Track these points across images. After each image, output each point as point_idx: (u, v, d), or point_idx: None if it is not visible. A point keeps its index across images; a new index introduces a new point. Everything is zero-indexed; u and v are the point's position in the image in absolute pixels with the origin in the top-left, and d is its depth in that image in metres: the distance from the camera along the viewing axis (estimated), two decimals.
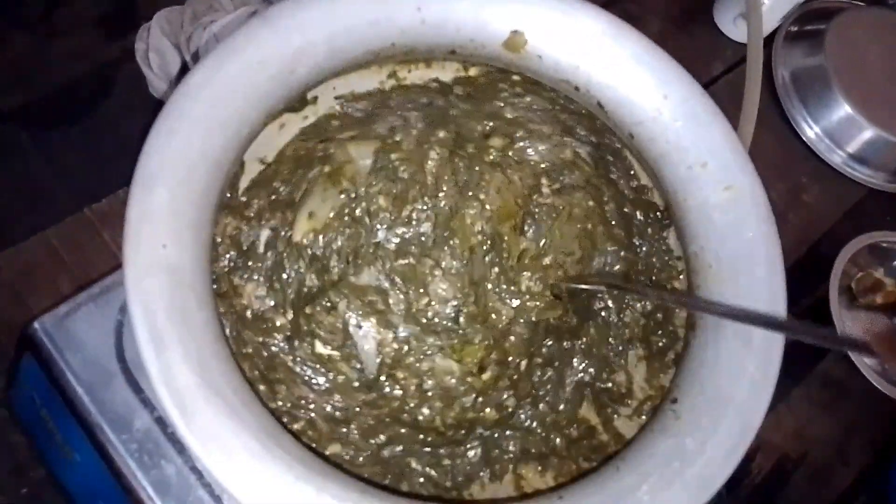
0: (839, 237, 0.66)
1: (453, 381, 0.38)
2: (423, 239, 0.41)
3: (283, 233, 0.37)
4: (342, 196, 0.39)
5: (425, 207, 0.41)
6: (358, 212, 0.39)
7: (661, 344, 0.37)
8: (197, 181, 0.29)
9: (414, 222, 0.41)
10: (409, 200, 0.40)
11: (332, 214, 0.38)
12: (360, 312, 0.39)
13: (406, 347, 0.39)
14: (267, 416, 0.28)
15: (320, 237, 0.38)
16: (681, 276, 0.37)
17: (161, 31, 0.60)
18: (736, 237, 0.32)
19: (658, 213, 0.38)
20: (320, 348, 0.37)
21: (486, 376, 0.38)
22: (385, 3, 0.34)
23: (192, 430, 0.26)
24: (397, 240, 0.41)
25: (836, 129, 0.73)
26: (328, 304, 0.38)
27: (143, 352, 0.25)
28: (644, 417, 0.34)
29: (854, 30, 0.75)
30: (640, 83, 0.35)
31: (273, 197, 0.36)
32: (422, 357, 0.40)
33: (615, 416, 0.35)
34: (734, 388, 0.29)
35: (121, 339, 0.41)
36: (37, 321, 0.41)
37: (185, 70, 0.59)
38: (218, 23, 0.58)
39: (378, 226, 0.40)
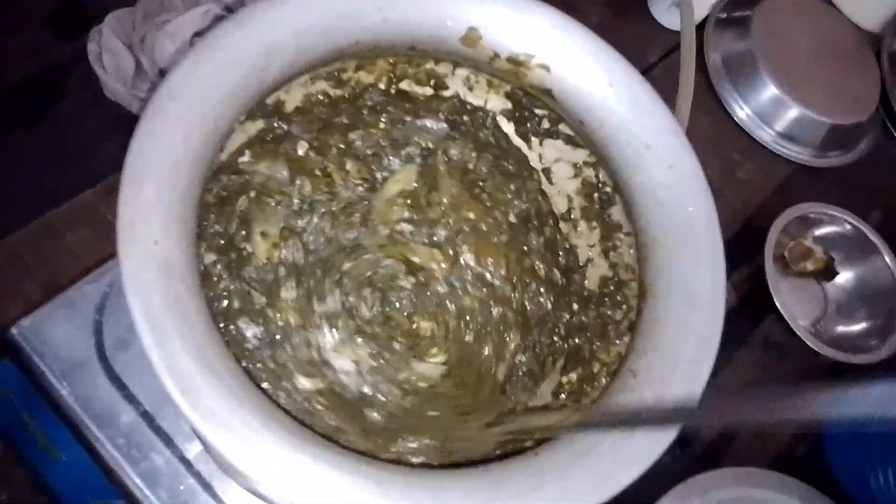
0: (771, 210, 0.71)
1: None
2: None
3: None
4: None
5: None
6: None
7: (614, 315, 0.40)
8: (181, 177, 0.31)
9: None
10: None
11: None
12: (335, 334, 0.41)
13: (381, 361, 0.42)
14: (260, 394, 0.30)
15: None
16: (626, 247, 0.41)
17: (113, 32, 0.60)
18: (679, 211, 0.36)
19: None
20: (304, 383, 0.39)
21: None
22: (349, 2, 0.36)
23: (197, 411, 0.27)
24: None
25: (765, 108, 0.78)
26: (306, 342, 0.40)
27: (145, 343, 0.27)
28: (605, 380, 0.37)
29: (778, 15, 0.80)
30: (587, 73, 0.38)
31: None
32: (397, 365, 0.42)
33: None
34: (684, 345, 0.33)
35: (101, 339, 0.42)
36: (14, 326, 0.41)
37: (138, 70, 0.59)
38: (172, 22, 0.59)
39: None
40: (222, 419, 0.28)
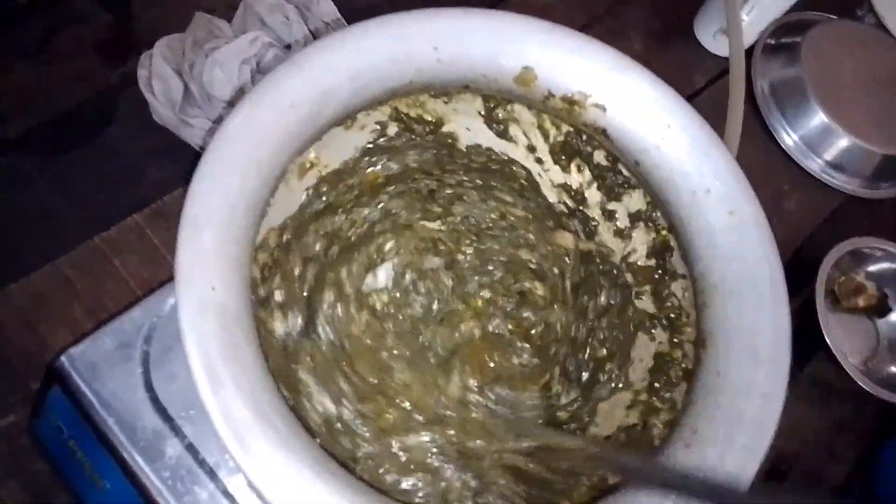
0: (820, 242, 0.69)
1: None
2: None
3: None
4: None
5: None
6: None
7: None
8: (237, 221, 0.31)
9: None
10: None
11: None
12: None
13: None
14: (314, 444, 0.30)
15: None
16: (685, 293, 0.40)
17: (163, 58, 0.61)
18: (740, 258, 0.35)
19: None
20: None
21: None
22: (404, 43, 0.36)
23: (250, 462, 0.27)
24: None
25: (814, 137, 0.76)
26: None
27: (200, 391, 0.27)
28: (658, 429, 0.36)
29: (829, 41, 0.79)
30: (645, 114, 0.37)
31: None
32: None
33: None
34: (747, 403, 0.32)
35: (148, 369, 0.42)
36: (64, 355, 0.42)
37: (187, 96, 0.60)
38: (220, 50, 0.59)
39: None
40: (275, 470, 0.28)
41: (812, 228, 0.73)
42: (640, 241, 0.42)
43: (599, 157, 0.41)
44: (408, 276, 0.45)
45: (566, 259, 0.44)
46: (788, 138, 0.77)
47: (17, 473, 0.48)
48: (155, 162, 0.60)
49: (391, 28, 0.35)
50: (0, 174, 0.57)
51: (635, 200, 0.41)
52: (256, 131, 0.32)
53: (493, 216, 0.46)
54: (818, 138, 0.76)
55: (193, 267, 0.28)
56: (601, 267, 0.42)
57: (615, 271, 0.42)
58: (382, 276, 0.44)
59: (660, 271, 0.41)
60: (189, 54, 0.61)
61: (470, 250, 0.47)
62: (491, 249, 0.47)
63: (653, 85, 0.37)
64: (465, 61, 0.37)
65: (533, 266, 0.46)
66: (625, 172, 0.40)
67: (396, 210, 0.44)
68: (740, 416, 0.31)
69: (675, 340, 0.39)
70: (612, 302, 0.42)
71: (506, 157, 0.43)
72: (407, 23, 0.35)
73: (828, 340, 0.63)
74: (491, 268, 0.47)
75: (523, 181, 0.44)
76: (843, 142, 0.75)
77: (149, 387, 0.42)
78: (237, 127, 0.31)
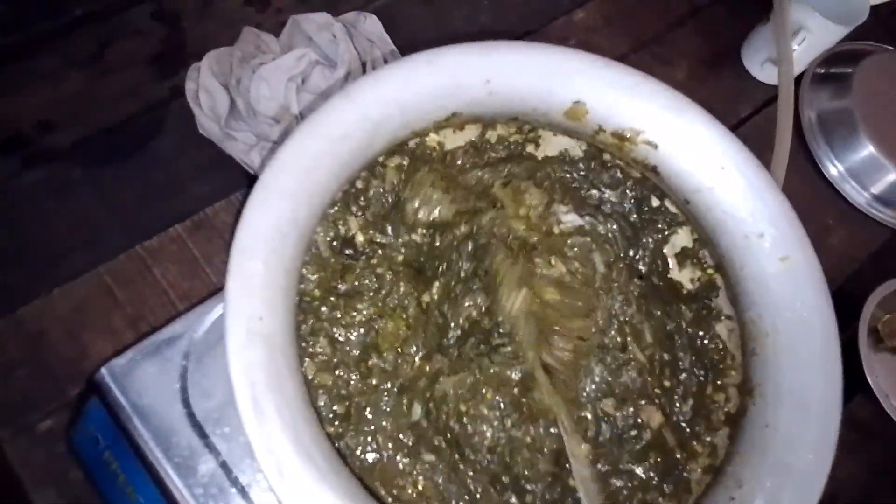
0: (865, 278, 0.68)
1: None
2: None
3: None
4: None
5: None
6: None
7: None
8: (287, 250, 0.31)
9: None
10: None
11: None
12: None
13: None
14: (353, 479, 0.29)
15: None
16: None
17: (211, 72, 0.61)
18: (793, 308, 0.34)
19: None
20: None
21: None
22: (455, 77, 0.36)
23: (288, 493, 0.27)
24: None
25: (861, 170, 0.74)
26: None
27: (245, 421, 0.27)
28: (696, 474, 0.36)
29: (881, 73, 0.77)
30: (698, 154, 0.37)
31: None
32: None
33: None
34: (795, 458, 0.31)
35: (185, 385, 0.43)
36: (104, 367, 0.42)
37: (233, 110, 0.61)
38: (266, 66, 0.60)
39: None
40: (313, 501, 0.27)
41: (857, 265, 0.72)
42: (686, 277, 0.41)
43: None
44: None
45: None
46: (835, 170, 0.75)
47: (52, 480, 0.49)
48: (199, 174, 0.60)
49: (443, 60, 0.35)
50: (48, 182, 0.58)
51: (681, 238, 0.40)
52: (308, 161, 0.32)
53: None
54: (866, 171, 0.74)
55: (242, 296, 0.29)
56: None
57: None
58: None
59: (704, 311, 0.40)
60: (236, 69, 0.61)
61: None
62: None
63: (708, 125, 0.37)
64: (515, 95, 0.37)
65: None
66: (672, 210, 0.40)
67: None
68: (788, 470, 0.30)
69: (719, 383, 0.38)
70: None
71: None
72: (459, 55, 0.35)
73: (870, 381, 0.61)
74: None
75: None
76: (891, 176, 0.73)
77: (186, 403, 0.42)
78: (289, 156, 0.31)
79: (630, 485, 0.37)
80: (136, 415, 0.42)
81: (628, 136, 0.38)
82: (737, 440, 0.33)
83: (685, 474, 0.36)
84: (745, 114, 0.75)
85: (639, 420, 0.39)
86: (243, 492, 0.41)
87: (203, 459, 0.41)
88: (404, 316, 0.36)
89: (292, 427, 0.28)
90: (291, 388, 0.29)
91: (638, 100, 0.37)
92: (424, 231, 0.39)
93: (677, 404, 0.38)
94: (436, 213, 0.38)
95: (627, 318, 0.41)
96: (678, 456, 0.37)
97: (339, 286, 0.35)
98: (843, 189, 0.74)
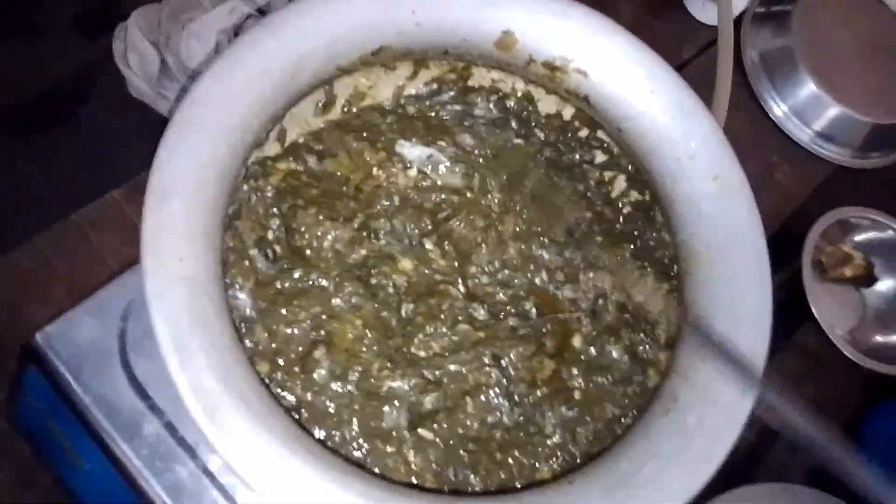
0: (809, 213, 0.69)
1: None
2: None
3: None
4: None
5: None
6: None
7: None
8: (208, 189, 0.30)
9: None
10: None
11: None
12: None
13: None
14: (286, 417, 0.29)
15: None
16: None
17: (139, 30, 0.59)
18: (724, 224, 0.34)
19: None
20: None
21: None
22: (382, 7, 0.35)
23: (220, 435, 0.27)
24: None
25: (804, 107, 0.75)
26: None
27: (168, 363, 0.26)
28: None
29: (820, 9, 0.77)
30: (629, 80, 0.36)
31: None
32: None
33: None
34: (728, 368, 0.31)
35: (125, 347, 0.42)
36: (39, 333, 0.41)
37: (164, 69, 0.59)
38: (197, 21, 0.58)
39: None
40: (246, 444, 0.27)
41: (801, 201, 0.73)
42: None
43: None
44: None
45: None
46: (778, 108, 0.76)
47: None
48: (133, 138, 0.59)
49: None
50: None
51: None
52: (226, 96, 0.31)
53: None
54: (808, 108, 0.75)
55: (160, 237, 0.28)
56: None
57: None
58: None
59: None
60: (165, 25, 0.59)
61: None
62: None
63: (637, 49, 0.37)
64: (444, 25, 0.36)
65: None
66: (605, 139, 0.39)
67: None
68: (721, 381, 0.31)
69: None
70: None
71: None
72: None
73: (814, 311, 0.63)
74: None
75: None
76: (833, 111, 0.74)
77: (126, 365, 0.41)
78: (206, 92, 0.30)
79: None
80: (75, 380, 0.41)
81: (559, 64, 0.37)
82: (674, 359, 0.34)
83: (642, 377, 0.36)
84: (689, 55, 0.75)
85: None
86: (191, 450, 0.40)
87: (147, 420, 0.41)
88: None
89: (220, 367, 0.27)
90: (218, 328, 0.28)
91: (566, 26, 0.36)
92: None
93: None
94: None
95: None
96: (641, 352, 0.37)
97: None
98: (786, 127, 0.75)
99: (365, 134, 0.38)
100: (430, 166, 0.39)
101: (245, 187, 0.34)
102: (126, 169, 0.57)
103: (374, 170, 0.38)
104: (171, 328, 0.26)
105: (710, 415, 0.30)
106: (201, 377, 0.27)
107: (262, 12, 0.61)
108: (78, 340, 0.42)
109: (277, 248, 0.34)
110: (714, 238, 0.34)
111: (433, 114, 0.40)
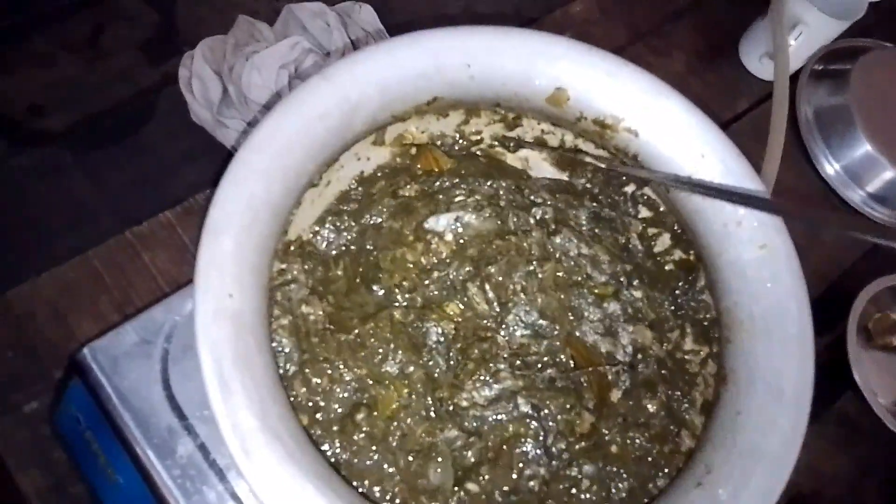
0: (857, 276, 0.67)
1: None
2: None
3: None
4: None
5: None
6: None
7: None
8: (259, 228, 0.31)
9: None
10: None
11: None
12: None
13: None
14: (321, 460, 0.29)
15: None
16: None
17: (204, 59, 0.62)
18: (769, 296, 0.34)
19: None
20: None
21: None
22: (435, 58, 0.36)
23: (253, 471, 0.27)
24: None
25: (857, 167, 0.74)
26: None
27: (210, 397, 0.27)
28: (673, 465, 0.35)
29: (879, 70, 0.76)
30: (679, 142, 0.36)
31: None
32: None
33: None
34: (766, 443, 0.30)
35: (166, 367, 0.43)
36: (86, 347, 0.42)
37: (225, 98, 0.61)
38: (259, 54, 0.60)
39: None
40: (277, 482, 0.27)
41: (850, 262, 0.71)
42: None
43: None
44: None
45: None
46: (830, 167, 0.75)
47: (36, 461, 0.49)
48: (190, 161, 0.61)
49: (424, 43, 0.35)
50: (38, 166, 0.58)
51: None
52: (284, 140, 0.32)
53: None
54: (862, 169, 0.74)
55: (211, 273, 0.29)
56: None
57: None
58: None
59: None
60: (230, 56, 0.62)
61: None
62: None
63: (688, 112, 0.37)
64: (497, 78, 0.37)
65: None
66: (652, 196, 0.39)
67: None
68: (757, 456, 0.30)
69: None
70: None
71: None
72: (439, 38, 0.35)
73: (856, 378, 0.61)
74: None
75: None
76: (888, 174, 0.72)
77: (166, 385, 0.42)
78: (265, 135, 0.31)
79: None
80: (116, 396, 0.42)
81: (609, 122, 0.38)
82: (709, 427, 0.33)
83: (677, 439, 0.36)
84: (742, 109, 0.75)
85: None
86: (221, 474, 0.41)
87: (182, 441, 0.41)
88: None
89: (259, 405, 0.28)
90: (260, 366, 0.29)
91: (618, 86, 0.36)
92: None
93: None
94: None
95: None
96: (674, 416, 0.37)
97: None
98: (837, 187, 0.74)
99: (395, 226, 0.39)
100: (460, 227, 0.40)
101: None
102: (180, 191, 0.59)
103: (422, 258, 0.39)
104: (215, 363, 0.27)
105: (743, 493, 0.30)
106: (239, 412, 0.27)
107: (322, 48, 0.63)
108: (122, 357, 0.43)
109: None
110: (758, 309, 0.34)
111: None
